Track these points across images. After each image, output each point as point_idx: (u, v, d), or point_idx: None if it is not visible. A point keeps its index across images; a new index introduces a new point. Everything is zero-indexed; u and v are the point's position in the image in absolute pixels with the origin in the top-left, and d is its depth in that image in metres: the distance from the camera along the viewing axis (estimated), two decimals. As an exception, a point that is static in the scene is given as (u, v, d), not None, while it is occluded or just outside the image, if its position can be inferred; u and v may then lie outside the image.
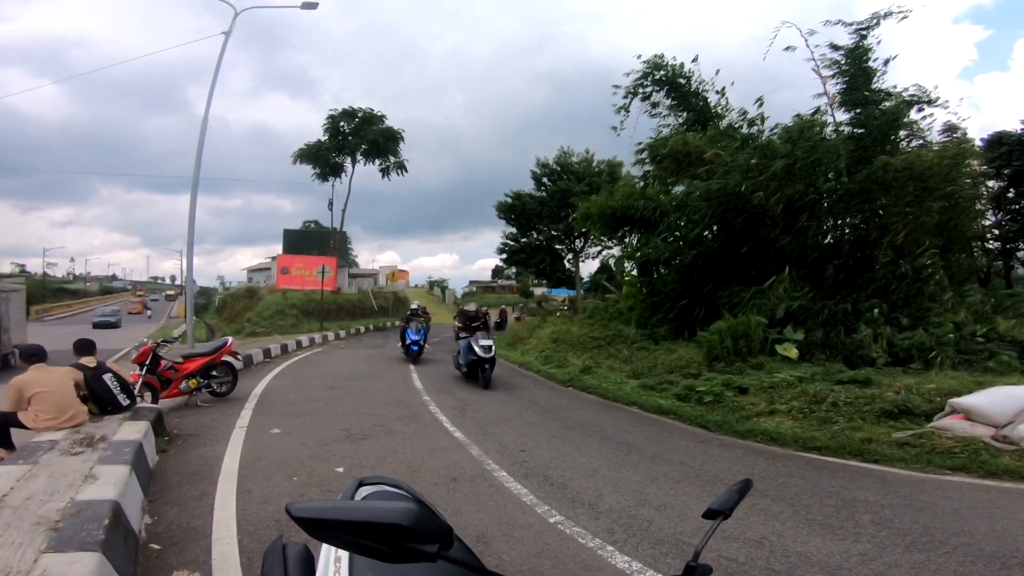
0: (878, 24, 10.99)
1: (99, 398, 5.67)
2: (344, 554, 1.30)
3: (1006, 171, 17.04)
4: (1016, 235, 17.58)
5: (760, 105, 12.79)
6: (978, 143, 14.39)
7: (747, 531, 3.84)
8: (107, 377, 5.80)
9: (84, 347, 6.00)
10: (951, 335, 8.59)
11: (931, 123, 11.57)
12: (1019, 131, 17.58)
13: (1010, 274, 17.79)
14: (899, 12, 10.90)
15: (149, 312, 25.10)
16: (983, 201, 14.01)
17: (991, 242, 16.93)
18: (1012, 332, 8.78)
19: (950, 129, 12.43)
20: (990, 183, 16.46)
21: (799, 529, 3.93)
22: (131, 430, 5.14)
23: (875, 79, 11.19)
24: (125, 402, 5.90)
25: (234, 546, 3.60)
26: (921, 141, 11.41)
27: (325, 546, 1.35)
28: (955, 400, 6.20)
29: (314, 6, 16.08)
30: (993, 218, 17.24)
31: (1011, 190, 17.60)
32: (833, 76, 11.38)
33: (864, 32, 11.05)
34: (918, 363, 8.38)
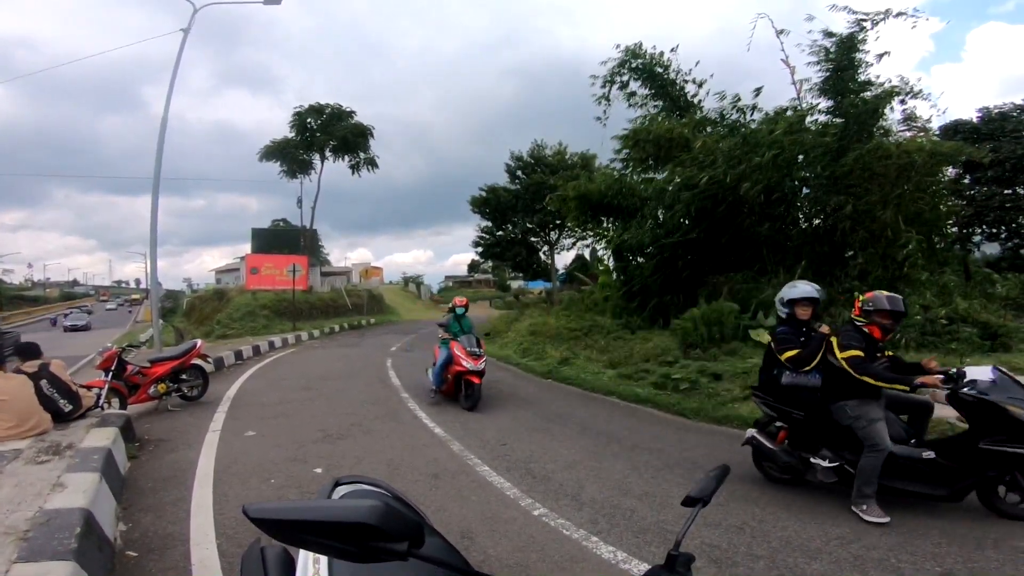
0: (885, 20, 10.79)
1: (46, 406, 5.32)
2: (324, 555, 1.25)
3: (961, 158, 17.66)
4: (971, 220, 18.24)
5: (756, 95, 12.75)
6: (935, 132, 14.71)
7: (728, 517, 3.90)
8: (43, 384, 5.32)
9: (27, 351, 5.68)
10: (917, 317, 8.85)
11: (904, 113, 11.69)
12: (974, 119, 18.20)
13: (967, 258, 18.41)
14: (913, 16, 10.77)
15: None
16: (944, 188, 14.38)
17: (949, 227, 17.51)
18: (972, 313, 9.10)
19: (909, 119, 12.66)
20: (948, 169, 16.96)
21: (778, 513, 4.00)
22: (99, 437, 4.97)
23: (861, 70, 11.08)
24: (67, 408, 5.45)
25: (214, 551, 3.52)
26: (882, 131, 11.59)
27: None
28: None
29: (277, 1, 15.72)
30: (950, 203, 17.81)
31: (966, 177, 18.24)
32: (817, 63, 11.26)
33: (866, 23, 10.82)
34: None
